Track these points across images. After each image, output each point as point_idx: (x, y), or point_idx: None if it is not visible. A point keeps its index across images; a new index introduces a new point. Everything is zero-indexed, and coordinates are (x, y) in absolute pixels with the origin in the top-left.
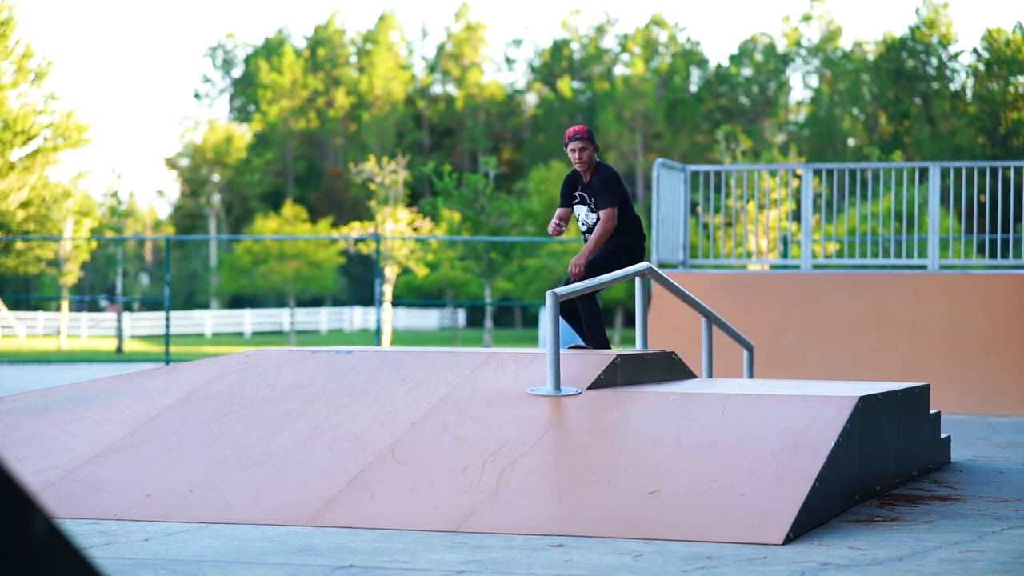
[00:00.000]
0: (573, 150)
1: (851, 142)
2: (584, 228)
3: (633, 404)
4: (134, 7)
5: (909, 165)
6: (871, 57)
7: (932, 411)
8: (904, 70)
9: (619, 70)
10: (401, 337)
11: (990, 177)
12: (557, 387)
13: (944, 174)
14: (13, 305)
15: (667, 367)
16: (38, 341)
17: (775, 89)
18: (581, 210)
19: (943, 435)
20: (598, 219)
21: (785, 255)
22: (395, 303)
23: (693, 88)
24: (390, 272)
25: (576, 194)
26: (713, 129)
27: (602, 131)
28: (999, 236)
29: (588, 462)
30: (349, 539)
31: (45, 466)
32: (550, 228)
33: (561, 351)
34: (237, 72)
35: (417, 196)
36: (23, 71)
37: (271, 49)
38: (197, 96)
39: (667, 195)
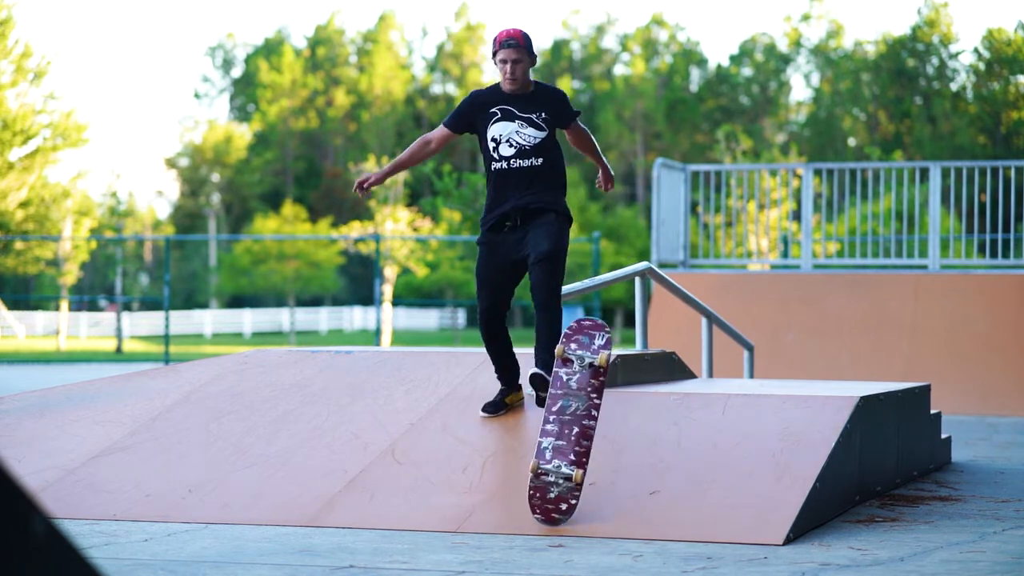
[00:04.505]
0: (504, 60)
1: (851, 142)
2: (511, 152)
3: (633, 404)
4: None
5: (910, 165)
6: (872, 57)
7: (932, 411)
8: (905, 70)
9: (619, 70)
10: (401, 337)
11: (991, 177)
12: None
13: (945, 174)
14: (12, 305)
15: (667, 367)
16: (37, 341)
17: (775, 89)
18: (507, 128)
19: (944, 435)
20: (545, 139)
21: (785, 255)
22: (395, 303)
23: (693, 88)
24: (390, 272)
25: (497, 109)
26: (713, 129)
27: (602, 131)
28: (1000, 236)
29: (588, 462)
30: (349, 539)
31: (45, 466)
32: (376, 176)
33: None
34: (237, 72)
35: (417, 196)
36: (22, 71)
37: (271, 49)
38: (197, 96)
39: (667, 195)
